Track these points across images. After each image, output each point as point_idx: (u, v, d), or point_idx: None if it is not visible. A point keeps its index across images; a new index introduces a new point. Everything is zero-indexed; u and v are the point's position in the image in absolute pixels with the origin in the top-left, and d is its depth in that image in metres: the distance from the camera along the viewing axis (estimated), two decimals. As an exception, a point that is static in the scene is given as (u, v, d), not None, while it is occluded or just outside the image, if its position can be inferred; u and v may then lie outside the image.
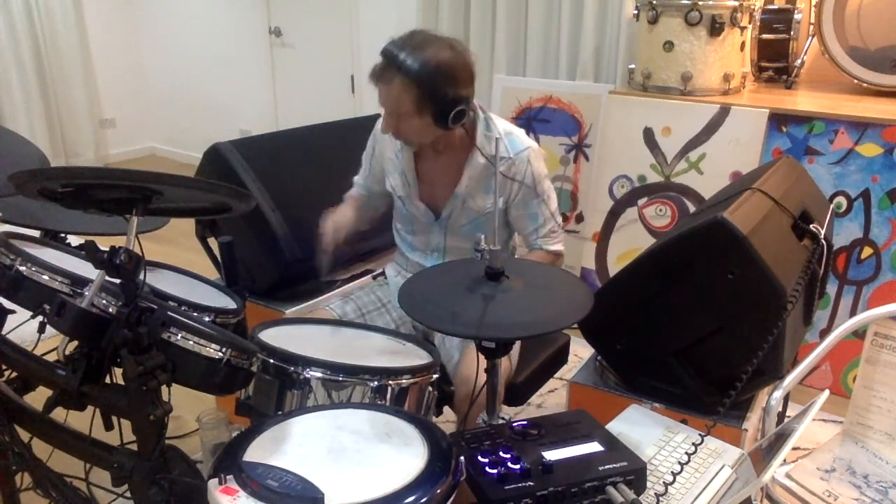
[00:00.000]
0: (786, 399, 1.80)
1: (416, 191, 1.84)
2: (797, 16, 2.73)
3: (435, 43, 1.61)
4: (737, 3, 2.60)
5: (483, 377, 1.42)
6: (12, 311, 1.43)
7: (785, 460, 1.25)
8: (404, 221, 1.94)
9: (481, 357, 1.39)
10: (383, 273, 2.06)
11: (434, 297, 1.37)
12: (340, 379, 1.38)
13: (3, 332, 1.44)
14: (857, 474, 1.53)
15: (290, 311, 2.17)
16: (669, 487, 1.23)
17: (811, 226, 1.63)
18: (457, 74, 1.60)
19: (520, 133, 1.80)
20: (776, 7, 2.82)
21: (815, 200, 1.85)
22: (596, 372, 1.76)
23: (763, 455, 1.27)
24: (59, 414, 1.27)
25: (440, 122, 1.62)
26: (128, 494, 1.20)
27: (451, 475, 1.09)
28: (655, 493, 1.21)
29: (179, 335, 1.16)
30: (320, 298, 2.21)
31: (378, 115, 1.77)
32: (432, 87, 1.57)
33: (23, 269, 1.25)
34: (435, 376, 1.51)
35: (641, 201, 2.84)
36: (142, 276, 1.14)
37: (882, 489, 1.48)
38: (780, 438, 1.22)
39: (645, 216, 2.84)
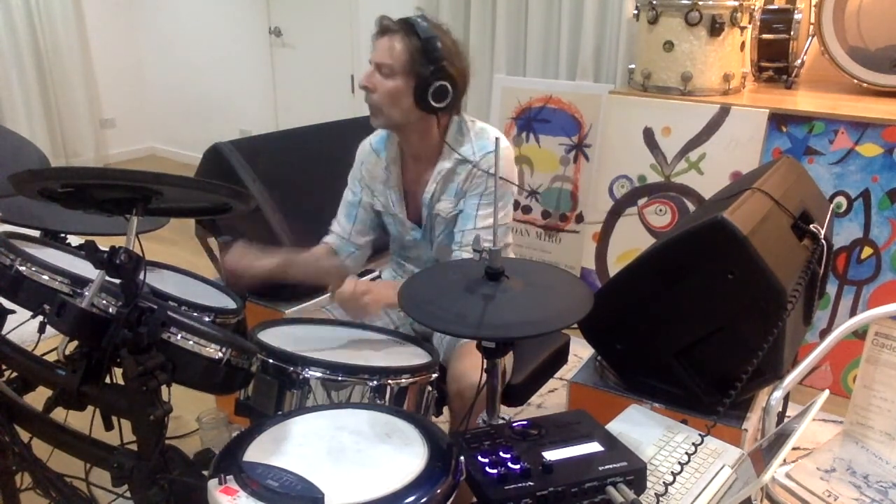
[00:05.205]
0: (786, 399, 1.80)
1: (402, 206, 1.83)
2: (797, 16, 2.73)
3: (446, 32, 1.68)
4: (737, 3, 2.60)
5: (482, 376, 1.42)
6: (12, 311, 1.43)
7: (785, 460, 1.25)
8: (397, 242, 1.94)
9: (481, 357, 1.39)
10: (380, 276, 2.05)
11: (434, 298, 1.37)
12: (340, 379, 1.38)
13: (3, 332, 1.44)
14: (857, 474, 1.53)
15: (290, 311, 2.17)
16: (669, 487, 1.23)
17: (811, 226, 1.63)
18: (454, 60, 1.65)
19: (492, 133, 1.75)
20: (776, 7, 2.81)
21: (815, 200, 1.85)
22: (596, 372, 1.75)
23: (763, 455, 1.27)
24: (59, 414, 1.27)
25: (419, 92, 1.62)
26: (128, 494, 1.20)
27: (451, 475, 1.09)
28: (655, 494, 1.21)
29: (179, 335, 1.16)
30: (320, 298, 2.22)
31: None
32: (429, 51, 1.62)
33: (23, 269, 1.25)
34: (434, 376, 1.51)
35: (641, 201, 2.83)
36: (142, 276, 1.14)
37: (882, 489, 1.48)
38: (780, 438, 1.22)
39: (645, 216, 2.83)
